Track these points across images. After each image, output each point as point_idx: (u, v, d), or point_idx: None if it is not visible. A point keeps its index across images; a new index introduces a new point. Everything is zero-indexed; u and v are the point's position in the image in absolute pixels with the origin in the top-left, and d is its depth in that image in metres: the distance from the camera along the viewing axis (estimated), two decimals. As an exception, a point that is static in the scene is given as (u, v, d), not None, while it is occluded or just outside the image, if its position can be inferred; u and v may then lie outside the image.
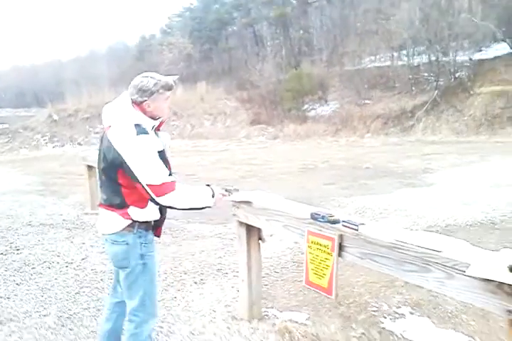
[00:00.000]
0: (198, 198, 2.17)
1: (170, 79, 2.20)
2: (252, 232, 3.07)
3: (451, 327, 2.97)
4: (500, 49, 20.71)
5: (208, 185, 2.29)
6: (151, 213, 2.19)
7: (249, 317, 3.10)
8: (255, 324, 3.02)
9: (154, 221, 2.25)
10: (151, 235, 2.25)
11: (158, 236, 2.34)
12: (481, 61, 20.38)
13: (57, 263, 4.34)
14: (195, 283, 3.81)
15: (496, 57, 20.20)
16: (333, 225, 2.32)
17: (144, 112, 2.14)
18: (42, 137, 24.69)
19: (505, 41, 20.66)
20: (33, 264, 4.30)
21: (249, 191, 3.11)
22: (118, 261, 2.20)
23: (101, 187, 2.25)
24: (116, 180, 2.11)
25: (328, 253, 2.34)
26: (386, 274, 3.67)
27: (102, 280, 3.87)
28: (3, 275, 4.00)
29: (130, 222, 2.15)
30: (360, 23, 26.42)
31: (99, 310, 3.25)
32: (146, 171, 2.02)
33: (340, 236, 2.26)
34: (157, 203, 2.07)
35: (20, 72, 60.38)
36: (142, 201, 2.14)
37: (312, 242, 2.43)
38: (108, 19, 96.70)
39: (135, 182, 2.05)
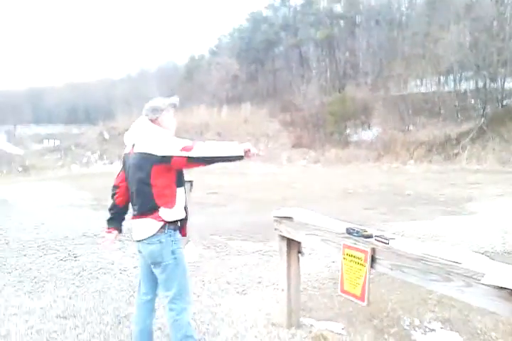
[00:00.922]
0: (224, 146, 2.45)
1: (173, 99, 2.70)
2: (293, 246, 3.34)
3: (480, 343, 3.11)
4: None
5: None
6: (178, 212, 2.59)
7: (287, 325, 3.34)
8: (293, 330, 3.27)
9: (180, 221, 2.63)
10: (178, 234, 2.64)
11: (184, 236, 2.74)
12: (531, 89, 20.12)
13: (112, 269, 4.74)
14: (238, 292, 4.09)
15: (546, 86, 19.92)
16: (367, 239, 2.57)
17: (160, 126, 2.61)
18: (92, 154, 25.89)
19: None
20: (90, 270, 4.71)
21: (290, 208, 3.43)
22: (154, 258, 2.56)
23: (132, 202, 2.62)
24: (148, 182, 2.47)
25: (362, 265, 2.57)
26: (419, 293, 3.89)
27: (152, 286, 4.21)
28: (64, 279, 4.41)
29: (162, 223, 2.52)
30: (407, 46, 26.46)
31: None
32: (173, 144, 2.44)
33: (373, 250, 2.50)
34: (193, 159, 2.39)
35: (73, 89, 63.16)
36: (170, 202, 2.54)
37: (347, 254, 2.68)
38: (158, 39, 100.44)
39: (169, 161, 2.42)
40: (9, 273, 4.61)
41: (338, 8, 33.32)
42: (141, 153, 2.48)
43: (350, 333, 3.27)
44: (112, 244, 2.79)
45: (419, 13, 28.82)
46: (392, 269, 2.43)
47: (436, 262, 2.15)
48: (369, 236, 2.59)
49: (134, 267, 4.83)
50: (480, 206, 8.87)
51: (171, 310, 2.59)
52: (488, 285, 1.88)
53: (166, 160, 2.42)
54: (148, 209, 2.52)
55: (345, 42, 33.05)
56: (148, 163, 2.45)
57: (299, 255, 3.40)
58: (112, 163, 24.79)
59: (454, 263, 2.07)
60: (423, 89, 24.79)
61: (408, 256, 2.31)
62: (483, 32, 20.60)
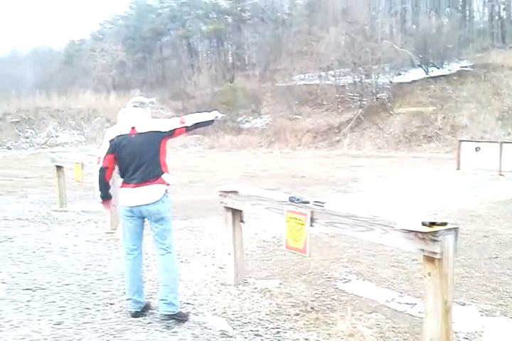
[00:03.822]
0: (201, 115, 3.40)
1: (152, 99, 3.54)
2: (236, 215, 3.96)
3: (387, 287, 4.00)
4: (417, 74, 23.08)
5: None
6: (172, 176, 3.29)
7: (235, 283, 3.95)
8: (241, 288, 3.89)
9: None
10: None
11: None
12: (400, 84, 22.62)
13: (52, 248, 4.94)
14: (182, 262, 4.58)
15: (413, 81, 22.49)
16: (306, 204, 3.27)
17: None
18: (-30, 140, 23.78)
19: (422, 67, 23.09)
20: (31, 249, 4.88)
21: (233, 183, 4.03)
22: (159, 214, 3.19)
23: (134, 174, 3.16)
24: (159, 153, 3.17)
25: (302, 224, 3.25)
26: (332, 253, 4.72)
27: (101, 260, 4.56)
28: (9, 258, 4.55)
29: (166, 186, 3.20)
30: (291, 43, 28.07)
31: (110, 280, 3.98)
32: (172, 121, 3.30)
33: (311, 212, 3.19)
34: (188, 128, 3.29)
35: None
36: (167, 168, 3.25)
37: (290, 218, 3.34)
38: (31, 20, 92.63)
39: (173, 134, 3.24)
40: None
41: (224, 4, 33.91)
42: (149, 131, 3.13)
43: (287, 286, 3.98)
44: (113, 207, 3.46)
45: (301, 13, 30.58)
46: (327, 226, 3.14)
47: (361, 217, 2.87)
48: (307, 202, 3.29)
49: (74, 245, 5.10)
50: (364, 185, 10.18)
51: (168, 252, 3.23)
52: (399, 230, 2.63)
53: (171, 133, 3.22)
54: (153, 176, 3.15)
55: (233, 36, 33.95)
56: (158, 138, 3.17)
57: (241, 223, 4.03)
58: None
59: (374, 217, 2.83)
60: (307, 82, 26.49)
61: (339, 214, 3.01)
62: (358, 33, 22.69)
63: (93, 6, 74.76)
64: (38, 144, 24.14)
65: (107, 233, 5.66)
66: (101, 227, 5.98)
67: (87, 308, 3.37)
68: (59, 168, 7.30)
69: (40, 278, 3.98)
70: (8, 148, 23.48)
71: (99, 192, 3.31)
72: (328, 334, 3.08)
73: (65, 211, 7.07)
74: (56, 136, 25.05)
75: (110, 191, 3.35)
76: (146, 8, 37.97)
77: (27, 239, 5.27)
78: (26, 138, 24.64)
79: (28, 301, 3.47)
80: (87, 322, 3.11)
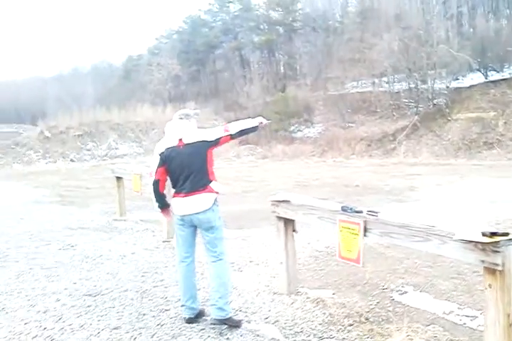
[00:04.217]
0: (245, 122, 3.44)
1: (196, 111, 3.62)
2: (288, 225, 3.96)
3: (445, 299, 3.86)
4: (476, 78, 22.27)
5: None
6: (220, 184, 3.34)
7: (287, 293, 3.94)
8: (293, 297, 3.87)
9: None
10: None
11: None
12: (458, 89, 21.85)
13: (112, 256, 5.14)
14: (235, 270, 4.63)
15: (471, 86, 21.69)
16: (359, 214, 3.21)
17: None
18: (34, 153, 25.16)
19: (480, 71, 22.26)
20: (92, 257, 5.10)
21: (285, 193, 4.04)
22: (209, 223, 3.25)
23: (184, 184, 3.26)
24: (205, 163, 3.24)
25: (356, 234, 3.20)
26: (388, 264, 4.61)
27: (158, 267, 4.69)
28: (71, 265, 4.79)
29: (216, 195, 3.26)
30: (343, 51, 27.86)
31: (166, 287, 4.09)
32: (216, 130, 3.37)
33: (365, 222, 3.13)
34: (233, 135, 3.33)
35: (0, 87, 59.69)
36: (215, 176, 3.31)
37: (343, 227, 3.29)
38: (91, 37, 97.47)
39: (219, 142, 3.29)
40: (16, 262, 4.90)
41: (276, 15, 34.24)
42: (196, 141, 3.21)
43: (341, 297, 3.92)
44: (171, 214, 3.49)
45: (353, 21, 30.36)
46: (381, 236, 3.07)
47: (417, 227, 2.78)
48: (360, 211, 3.23)
49: (132, 253, 5.27)
50: (422, 194, 9.87)
51: (219, 260, 3.29)
52: (458, 241, 2.53)
53: (216, 141, 3.28)
54: (202, 185, 3.22)
55: (284, 46, 34.26)
56: (204, 147, 3.25)
57: (294, 233, 4.02)
58: (55, 162, 24.25)
59: (431, 227, 2.74)
60: (359, 90, 26.16)
61: (394, 224, 2.94)
62: (412, 39, 22.17)
63: (149, 22, 77.84)
64: (99, 156, 25.16)
65: (163, 241, 5.81)
66: (158, 236, 6.14)
67: (144, 314, 3.47)
68: (119, 178, 7.58)
69: (100, 285, 4.14)
70: (72, 160, 24.63)
71: (157, 203, 3.45)
72: (383, 345, 3.01)
73: (125, 220, 7.33)
74: (116, 148, 26.04)
75: (167, 199, 3.48)
76: (199, 23, 38.99)
77: (88, 247, 5.51)
78: (88, 150, 25.78)
79: (88, 306, 3.62)
80: (143, 328, 3.20)
